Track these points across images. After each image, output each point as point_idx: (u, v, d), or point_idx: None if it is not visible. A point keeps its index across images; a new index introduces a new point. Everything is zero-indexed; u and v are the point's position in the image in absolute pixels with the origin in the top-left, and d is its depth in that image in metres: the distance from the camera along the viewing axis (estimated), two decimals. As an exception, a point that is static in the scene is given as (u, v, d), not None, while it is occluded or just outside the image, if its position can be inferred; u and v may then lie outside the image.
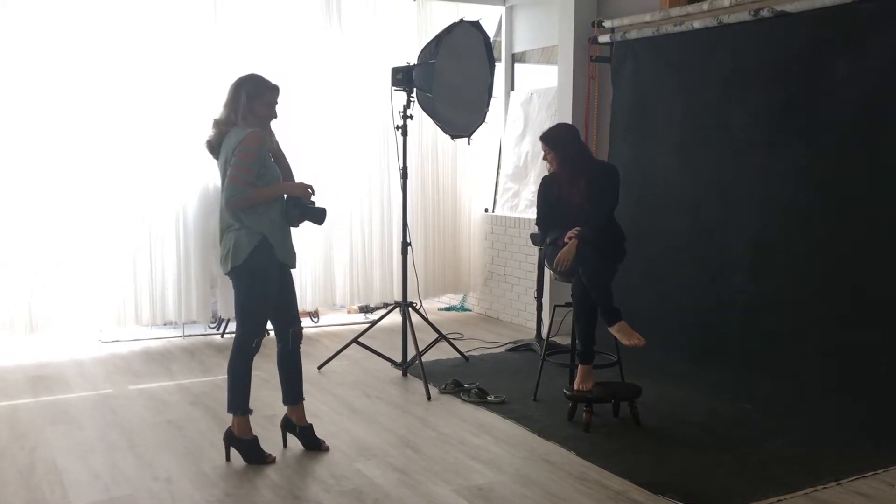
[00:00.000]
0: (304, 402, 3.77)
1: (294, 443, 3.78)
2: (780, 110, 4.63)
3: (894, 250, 4.10)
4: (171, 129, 5.62)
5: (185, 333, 6.01)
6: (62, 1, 5.28)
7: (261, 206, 3.45)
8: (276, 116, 3.56)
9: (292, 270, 3.67)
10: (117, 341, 5.79)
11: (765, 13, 4.58)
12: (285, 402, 3.76)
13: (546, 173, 4.45)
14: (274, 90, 3.53)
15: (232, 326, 6.04)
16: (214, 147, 3.54)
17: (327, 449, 3.73)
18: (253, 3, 5.82)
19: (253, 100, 3.45)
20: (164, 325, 5.89)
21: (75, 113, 5.42)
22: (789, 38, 4.54)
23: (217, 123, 3.52)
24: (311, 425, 3.76)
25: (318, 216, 3.58)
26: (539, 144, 4.38)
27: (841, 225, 4.34)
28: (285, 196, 3.55)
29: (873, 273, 4.19)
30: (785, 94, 4.60)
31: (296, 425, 3.75)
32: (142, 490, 3.29)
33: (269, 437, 3.70)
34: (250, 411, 3.58)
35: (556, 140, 4.24)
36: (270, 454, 3.59)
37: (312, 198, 3.58)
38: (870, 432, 3.83)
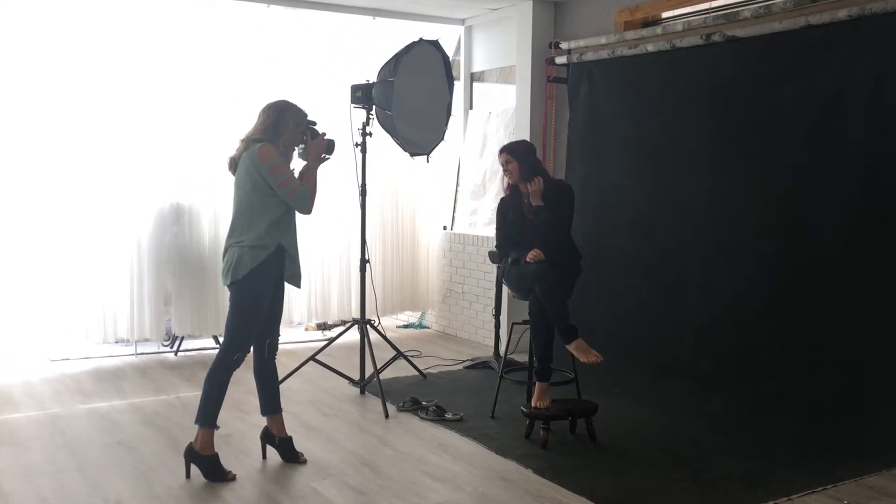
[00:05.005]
0: (282, 412, 3.83)
1: (239, 460, 3.76)
2: (730, 132, 4.75)
3: (841, 270, 4.22)
4: (124, 146, 5.56)
5: (138, 351, 5.89)
6: None
7: (283, 221, 3.58)
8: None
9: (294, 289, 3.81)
10: (67, 360, 5.64)
11: (716, 38, 4.71)
12: (263, 412, 3.83)
13: (504, 193, 4.49)
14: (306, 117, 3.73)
15: (186, 344, 5.98)
16: (236, 162, 3.65)
17: (305, 461, 3.77)
18: (207, 23, 5.79)
19: (298, 126, 3.65)
20: (116, 342, 5.77)
21: (25, 129, 5.32)
22: (740, 62, 4.67)
23: (245, 141, 3.64)
24: (290, 437, 3.82)
25: (331, 147, 3.81)
26: (497, 162, 4.44)
27: (790, 244, 4.45)
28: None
29: (821, 292, 4.30)
30: (735, 117, 4.72)
31: (275, 437, 3.81)
32: (91, 513, 3.21)
33: (223, 455, 3.63)
34: (217, 427, 3.58)
35: (517, 151, 4.34)
36: (231, 472, 3.57)
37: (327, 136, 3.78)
38: (820, 449, 3.91)
